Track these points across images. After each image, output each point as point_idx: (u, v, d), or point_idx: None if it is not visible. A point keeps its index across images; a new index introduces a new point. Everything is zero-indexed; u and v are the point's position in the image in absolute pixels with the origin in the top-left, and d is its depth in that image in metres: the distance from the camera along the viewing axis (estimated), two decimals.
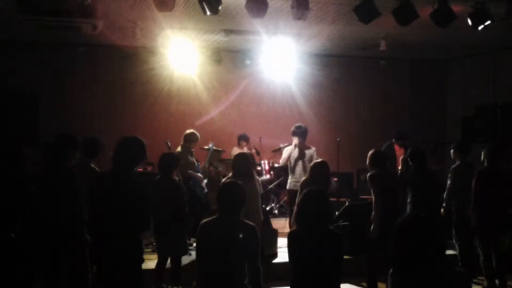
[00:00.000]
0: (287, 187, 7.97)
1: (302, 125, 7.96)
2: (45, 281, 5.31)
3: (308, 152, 7.73)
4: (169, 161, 5.96)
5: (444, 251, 2.95)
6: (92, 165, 5.80)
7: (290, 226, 7.76)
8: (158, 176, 5.99)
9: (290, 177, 7.87)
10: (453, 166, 6.82)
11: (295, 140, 7.80)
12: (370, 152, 6.30)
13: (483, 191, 6.11)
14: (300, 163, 7.72)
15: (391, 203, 6.02)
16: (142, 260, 4.58)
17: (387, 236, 5.84)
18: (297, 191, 7.63)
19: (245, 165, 5.74)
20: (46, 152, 7.05)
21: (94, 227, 4.52)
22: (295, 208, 4.26)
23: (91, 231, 4.61)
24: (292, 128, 7.88)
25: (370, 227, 6.08)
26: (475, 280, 6.55)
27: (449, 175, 6.82)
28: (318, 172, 6.25)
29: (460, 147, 6.87)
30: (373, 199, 6.13)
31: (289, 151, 7.88)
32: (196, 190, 7.78)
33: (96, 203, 4.47)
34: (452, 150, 6.92)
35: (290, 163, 7.87)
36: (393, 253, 2.99)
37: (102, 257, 4.49)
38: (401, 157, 7.17)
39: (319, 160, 6.68)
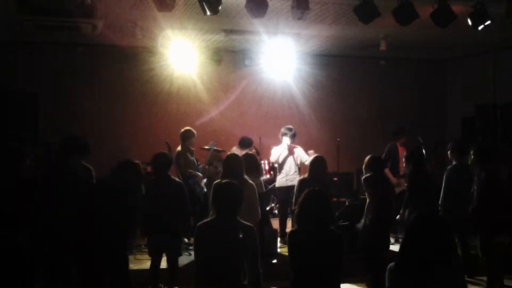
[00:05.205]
0: (277, 185, 8.19)
1: (292, 127, 8.26)
2: (45, 281, 5.32)
3: (296, 151, 8.08)
4: (165, 161, 5.93)
5: (452, 252, 2.97)
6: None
7: (280, 224, 7.89)
8: (154, 177, 5.95)
9: (279, 175, 8.14)
10: (449, 167, 6.69)
11: (287, 141, 8.06)
12: (367, 158, 6.27)
13: (489, 193, 6.06)
14: (288, 160, 8.04)
15: (384, 207, 6.00)
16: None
17: (377, 239, 5.93)
18: (286, 187, 7.85)
19: (236, 165, 5.64)
20: (46, 152, 7.07)
21: (81, 228, 4.56)
22: (296, 208, 4.25)
23: (79, 232, 4.65)
24: (283, 130, 8.16)
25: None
26: (472, 280, 6.55)
27: (444, 176, 6.67)
28: (317, 168, 6.41)
29: (457, 147, 6.74)
30: (367, 202, 6.13)
31: (280, 150, 8.13)
32: (196, 189, 7.77)
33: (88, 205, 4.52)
34: (449, 151, 6.80)
35: (279, 162, 8.14)
36: (401, 249, 3.00)
37: (88, 257, 4.52)
38: (403, 157, 7.17)
39: (315, 155, 6.86)
